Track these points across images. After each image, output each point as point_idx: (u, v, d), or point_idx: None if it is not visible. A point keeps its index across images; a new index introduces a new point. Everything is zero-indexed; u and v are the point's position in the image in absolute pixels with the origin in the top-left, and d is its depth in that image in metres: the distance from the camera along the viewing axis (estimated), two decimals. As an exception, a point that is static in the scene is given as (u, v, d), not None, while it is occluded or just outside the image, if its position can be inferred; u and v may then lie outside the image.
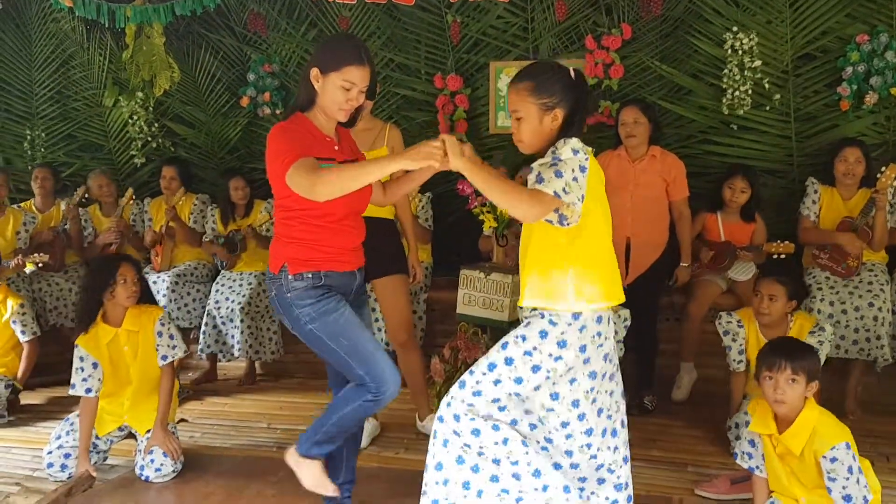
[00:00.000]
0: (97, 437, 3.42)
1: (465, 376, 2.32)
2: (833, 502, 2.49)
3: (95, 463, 3.36)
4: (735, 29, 4.40)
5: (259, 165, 5.21)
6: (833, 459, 2.43)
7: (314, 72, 2.43)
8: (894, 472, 3.12)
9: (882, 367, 3.85)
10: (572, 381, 2.26)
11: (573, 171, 2.14)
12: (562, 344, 2.23)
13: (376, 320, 4.36)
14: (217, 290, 4.72)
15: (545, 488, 2.27)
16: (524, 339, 2.27)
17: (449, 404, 2.31)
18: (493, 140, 4.93)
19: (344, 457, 2.77)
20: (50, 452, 3.37)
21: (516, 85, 2.26)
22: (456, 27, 4.92)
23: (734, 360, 3.44)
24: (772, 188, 4.51)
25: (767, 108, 4.48)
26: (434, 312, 4.59)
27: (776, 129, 4.52)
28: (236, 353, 4.59)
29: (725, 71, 4.44)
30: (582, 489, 2.33)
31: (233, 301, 4.60)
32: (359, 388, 2.50)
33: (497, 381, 2.27)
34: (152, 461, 3.27)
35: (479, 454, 2.27)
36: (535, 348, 2.25)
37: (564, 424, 2.27)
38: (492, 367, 2.29)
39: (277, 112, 5.26)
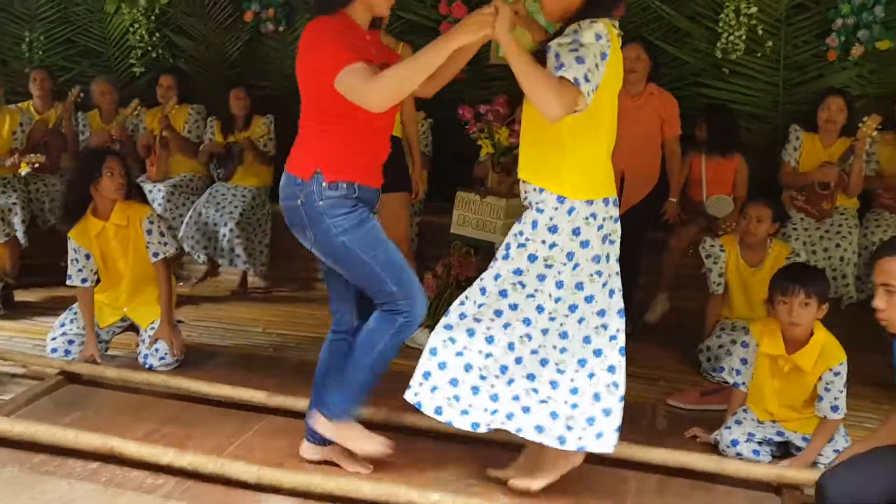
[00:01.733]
0: (99, 328, 3.53)
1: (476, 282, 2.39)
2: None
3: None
4: (734, -28, 4.49)
5: (259, 82, 5.23)
6: (837, 374, 2.70)
7: None
8: (852, 396, 3.36)
9: (845, 306, 4.10)
10: (575, 266, 2.29)
11: (595, 55, 2.06)
12: (553, 230, 2.25)
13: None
14: (211, 195, 4.79)
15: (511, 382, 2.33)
16: (520, 233, 2.32)
17: (462, 302, 2.38)
18: (494, 70, 5.00)
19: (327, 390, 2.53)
20: (54, 338, 3.49)
21: None
22: (464, -49, 4.89)
23: (714, 283, 3.65)
24: (756, 133, 4.68)
25: (759, 54, 4.61)
26: (425, 235, 4.72)
27: (765, 76, 4.66)
28: (234, 262, 4.71)
29: (722, 15, 4.55)
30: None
31: (225, 210, 4.68)
32: (386, 315, 2.38)
33: (497, 276, 2.33)
34: (157, 350, 3.42)
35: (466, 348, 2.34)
36: (528, 239, 2.28)
37: (573, 308, 2.31)
38: (491, 264, 2.38)
39: (280, 29, 5.23)
